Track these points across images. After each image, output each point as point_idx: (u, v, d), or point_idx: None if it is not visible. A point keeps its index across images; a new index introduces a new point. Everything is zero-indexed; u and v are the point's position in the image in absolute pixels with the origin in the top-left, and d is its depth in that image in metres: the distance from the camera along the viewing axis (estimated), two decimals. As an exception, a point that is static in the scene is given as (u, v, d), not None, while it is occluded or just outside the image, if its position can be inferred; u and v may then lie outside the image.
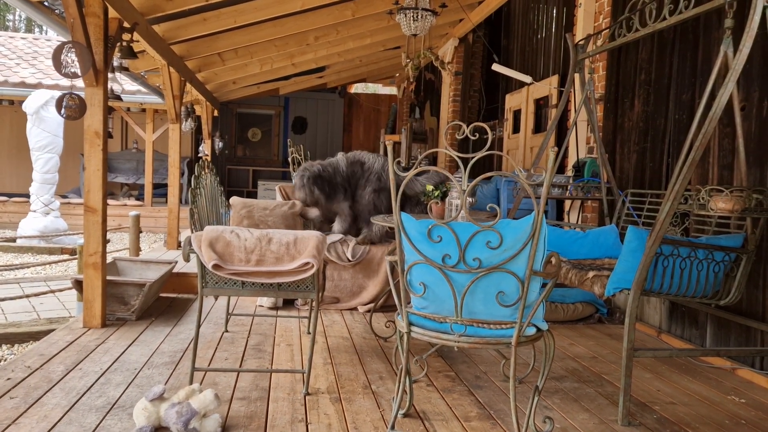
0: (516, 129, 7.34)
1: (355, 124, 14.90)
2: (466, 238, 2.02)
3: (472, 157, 2.07)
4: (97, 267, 3.87)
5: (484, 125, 2.32)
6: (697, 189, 2.94)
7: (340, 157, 4.71)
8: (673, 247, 2.96)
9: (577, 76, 4.45)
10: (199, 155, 9.44)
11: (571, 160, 5.54)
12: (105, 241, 3.93)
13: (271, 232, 2.67)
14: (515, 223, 2.03)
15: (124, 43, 4.21)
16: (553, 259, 2.09)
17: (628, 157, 4.84)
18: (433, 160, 10.07)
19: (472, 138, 2.20)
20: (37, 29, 29.63)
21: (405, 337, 2.21)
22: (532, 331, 2.14)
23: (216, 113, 10.50)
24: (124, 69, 4.84)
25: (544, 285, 2.17)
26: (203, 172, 3.25)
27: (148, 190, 11.19)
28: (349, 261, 4.67)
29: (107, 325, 3.97)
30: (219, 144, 10.54)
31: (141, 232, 6.68)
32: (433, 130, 10.34)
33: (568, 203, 5.68)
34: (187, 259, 2.64)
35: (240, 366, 3.28)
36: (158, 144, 11.76)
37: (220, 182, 12.84)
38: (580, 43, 4.39)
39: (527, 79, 5.18)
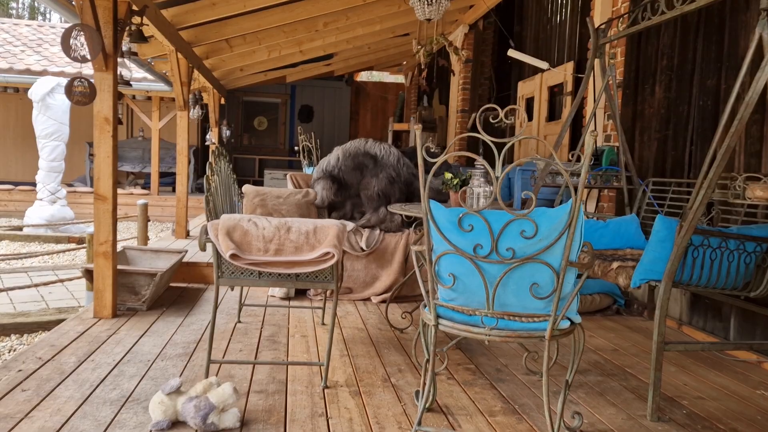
0: (529, 117, 7.22)
1: (362, 113, 14.77)
2: (499, 227, 1.93)
3: (506, 143, 1.96)
4: (108, 256, 3.80)
5: (515, 107, 2.22)
6: (733, 177, 2.83)
7: (343, 151, 4.64)
8: (703, 238, 2.86)
9: (597, 61, 4.33)
10: (207, 143, 9.34)
11: (588, 148, 5.42)
12: (116, 230, 3.85)
13: (289, 221, 2.58)
14: (551, 212, 1.94)
15: (134, 27, 4.11)
16: (586, 248, 1.99)
17: (648, 144, 4.72)
18: (442, 149, 9.95)
19: (504, 123, 2.10)
20: (40, 16, 29.48)
21: (432, 330, 2.13)
22: (566, 324, 2.05)
23: (223, 101, 10.39)
24: (133, 54, 4.74)
25: (578, 276, 2.08)
26: (218, 159, 3.15)
27: (154, 179, 11.11)
28: (363, 251, 4.58)
29: (118, 316, 3.89)
30: (226, 132, 10.45)
31: (149, 221, 6.61)
32: (442, 119, 10.21)
33: (583, 192, 5.57)
34: (203, 248, 2.55)
35: (255, 358, 3.20)
36: (164, 132, 11.66)
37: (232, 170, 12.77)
38: (600, 27, 4.27)
39: (544, 65, 5.07)
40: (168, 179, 11.91)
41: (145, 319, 3.86)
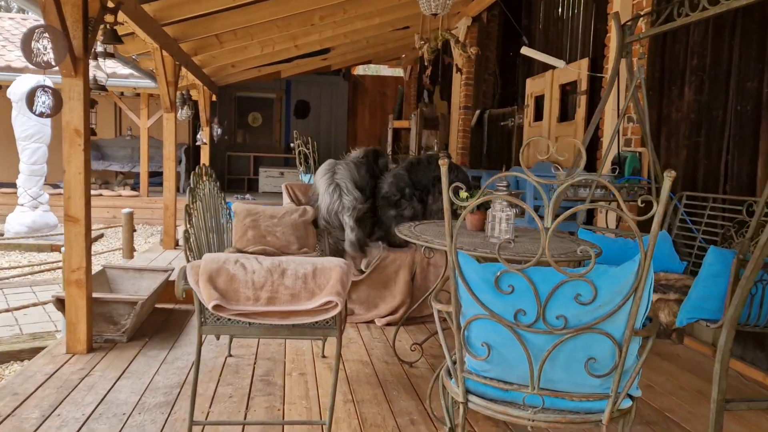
0: (538, 116, 6.81)
1: (360, 109, 14.33)
2: (547, 290, 1.53)
3: (560, 184, 1.57)
4: (81, 285, 3.39)
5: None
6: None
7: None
8: (764, 272, 2.48)
9: (623, 61, 3.92)
10: (197, 143, 8.91)
11: (605, 154, 5.02)
12: (89, 255, 3.44)
13: (284, 262, 2.18)
14: (614, 272, 1.54)
15: (108, 26, 3.68)
16: (662, 315, 1.60)
17: (676, 152, 4.33)
18: (445, 146, 9.54)
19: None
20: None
21: (461, 409, 1.73)
22: (627, 403, 1.65)
23: (214, 98, 9.94)
24: (109, 55, 4.31)
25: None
26: (200, 181, 2.74)
27: (143, 179, 10.68)
28: (362, 272, 4.18)
29: (94, 349, 3.49)
30: (218, 131, 10.01)
31: (135, 230, 6.19)
32: (444, 116, 9.79)
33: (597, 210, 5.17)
34: (181, 296, 2.15)
35: (247, 406, 2.81)
36: (154, 130, 11.21)
37: (220, 175, 12.19)
38: (627, 24, 3.86)
39: (560, 63, 4.67)
40: (159, 179, 11.44)
41: (124, 353, 3.46)
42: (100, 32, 3.69)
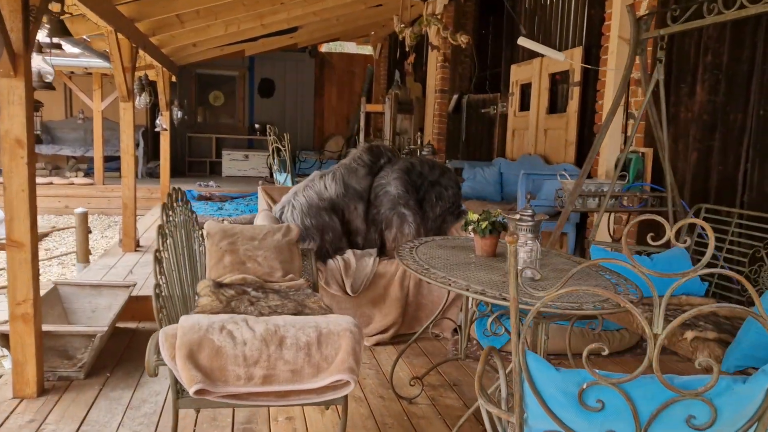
0: (525, 106, 6.46)
1: (327, 87, 13.76)
2: (650, 410, 1.17)
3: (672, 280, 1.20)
4: (29, 320, 2.91)
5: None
6: None
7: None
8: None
9: (638, 58, 3.58)
10: (156, 129, 8.29)
11: (605, 158, 4.71)
12: (38, 285, 2.96)
13: (281, 327, 1.77)
14: (741, 388, 1.19)
15: (53, 15, 3.13)
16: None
17: (685, 155, 4.03)
18: (420, 131, 9.14)
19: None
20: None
21: None
22: None
23: (174, 79, 9.28)
24: (56, 46, 3.74)
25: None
26: (170, 213, 2.29)
27: (98, 166, 9.97)
28: (350, 295, 3.80)
29: (46, 390, 3.04)
30: (178, 114, 9.37)
31: (90, 232, 5.65)
32: (419, 99, 9.37)
33: (595, 214, 4.87)
34: (153, 374, 1.73)
35: (229, 471, 2.42)
36: (108, 112, 10.48)
37: (180, 157, 11.51)
38: (643, 17, 3.51)
39: (560, 56, 4.31)
40: (116, 164, 10.74)
41: (82, 396, 3.01)
42: (44, 19, 3.15)
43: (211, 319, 1.77)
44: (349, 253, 3.94)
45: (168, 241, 2.15)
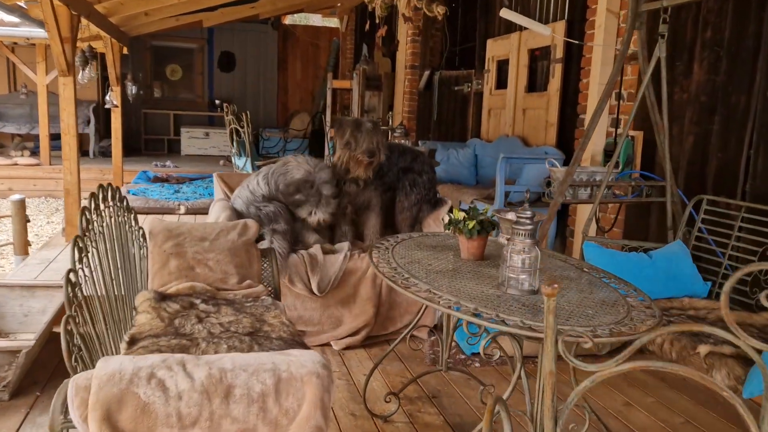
0: (501, 84, 6.10)
1: (291, 61, 13.17)
2: None
3: None
4: (-65, 337, 2.46)
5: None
6: None
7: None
8: None
9: (636, 33, 3.24)
10: (107, 105, 7.69)
11: (591, 141, 4.38)
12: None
13: (230, 371, 1.39)
14: None
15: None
16: None
17: (680, 139, 3.73)
18: (390, 108, 8.73)
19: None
20: None
21: None
22: None
23: (125, 50, 8.65)
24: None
25: None
26: (97, 214, 1.87)
27: (44, 145, 9.30)
28: (317, 295, 3.42)
29: (-38, 417, 2.60)
30: (132, 89, 8.75)
31: (28, 221, 5.12)
32: (388, 75, 8.93)
33: (576, 207, 4.56)
34: (60, 437, 1.34)
35: None
36: (55, 86, 9.73)
37: (135, 134, 10.86)
38: (642, -13, 3.16)
39: (546, 30, 3.94)
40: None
41: (4, 422, 2.59)
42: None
43: (137, 363, 1.37)
44: (316, 248, 3.55)
45: (89, 254, 1.73)
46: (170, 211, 6.61)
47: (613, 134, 4.18)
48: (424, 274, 2.19)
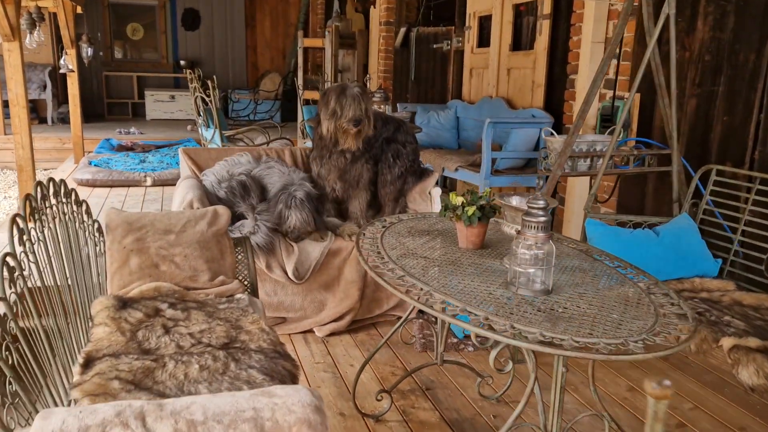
0: (483, 42, 5.78)
1: (259, 18, 12.56)
2: None
3: None
4: None
5: None
6: None
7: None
8: None
9: (640, -12, 2.95)
10: (62, 70, 7.17)
11: (581, 100, 4.13)
12: None
13: (201, 426, 1.14)
14: None
15: None
16: None
17: (680, 102, 3.50)
18: (364, 68, 8.35)
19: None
20: None
21: None
22: None
23: (80, 9, 8.06)
24: None
25: None
26: (40, 216, 1.57)
27: (-2, 113, 8.74)
28: (296, 282, 3.17)
29: None
30: (88, 51, 8.18)
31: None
32: (362, 33, 8.51)
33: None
34: None
35: None
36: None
37: (97, 99, 10.26)
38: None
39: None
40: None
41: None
42: None
43: (84, 420, 1.10)
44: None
45: (24, 272, 1.44)
46: (136, 184, 6.24)
47: (607, 97, 3.92)
48: (421, 270, 1.94)
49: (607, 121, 3.68)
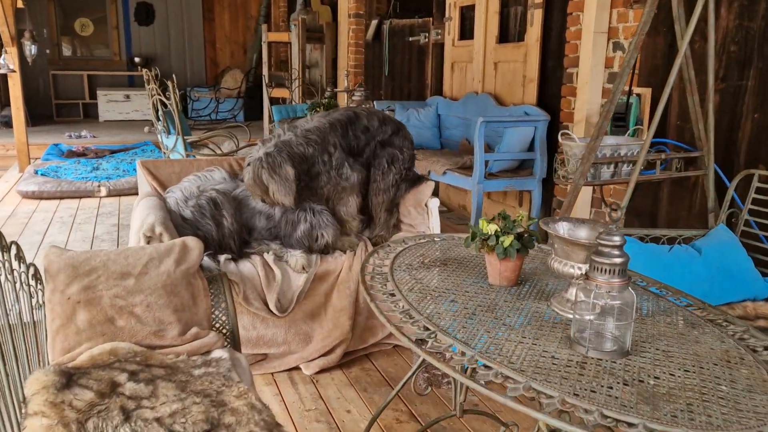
0: (466, 33, 5.39)
1: (218, 11, 11.93)
2: None
3: None
4: None
5: None
6: None
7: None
8: None
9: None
10: (1, 70, 6.51)
11: (583, 100, 3.78)
12: None
13: None
14: None
15: None
16: None
17: (701, 98, 3.16)
18: (333, 62, 7.88)
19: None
20: None
21: None
22: None
23: (21, 3, 7.39)
24: None
25: None
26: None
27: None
28: (277, 315, 2.73)
29: None
30: (32, 49, 7.51)
31: None
32: (330, 25, 8.04)
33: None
34: None
35: None
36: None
37: (44, 100, 9.56)
38: None
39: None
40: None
41: None
42: None
43: None
44: (268, 256, 2.81)
45: None
46: (88, 194, 5.67)
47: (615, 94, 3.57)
48: (454, 322, 1.53)
49: (619, 119, 3.33)
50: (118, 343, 1.71)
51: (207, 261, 2.45)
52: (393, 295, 1.72)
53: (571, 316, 1.52)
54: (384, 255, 2.08)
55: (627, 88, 3.54)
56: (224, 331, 1.97)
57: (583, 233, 1.60)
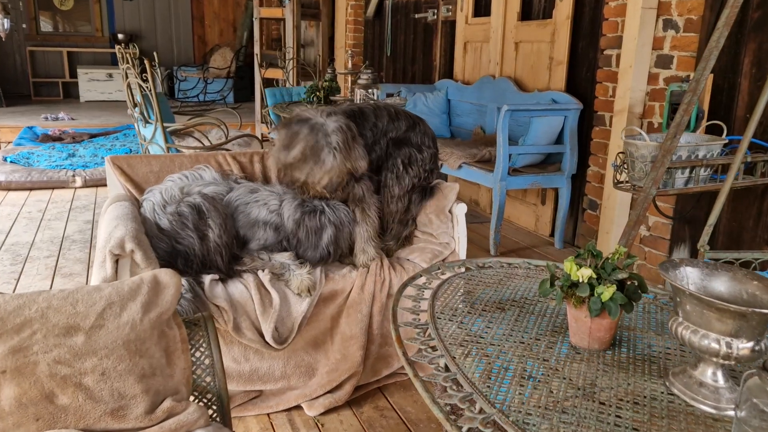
0: (481, 10, 4.86)
1: (205, -15, 11.28)
2: None
3: None
4: None
5: None
6: None
7: None
8: None
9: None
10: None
11: (625, 87, 3.29)
12: None
13: None
14: None
15: None
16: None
17: (759, 81, 2.68)
18: (329, 40, 7.33)
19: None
20: None
21: None
22: None
23: (-9, -27, 6.76)
24: None
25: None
26: None
27: None
28: (275, 348, 2.24)
29: None
30: (5, 23, 6.91)
31: None
32: (326, 2, 7.46)
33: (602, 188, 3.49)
34: None
35: None
36: None
37: (22, 77, 9.00)
38: None
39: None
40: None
41: None
42: None
43: None
44: (264, 275, 2.31)
45: None
46: (62, 185, 5.13)
47: (661, 80, 3.09)
48: (539, 416, 1.05)
49: (674, 112, 2.84)
50: (59, 430, 1.22)
51: (184, 294, 1.96)
52: (446, 369, 1.24)
53: (709, 410, 1.05)
54: (417, 293, 1.60)
55: (683, 75, 3.06)
56: (209, 397, 1.48)
57: (721, 285, 1.13)
